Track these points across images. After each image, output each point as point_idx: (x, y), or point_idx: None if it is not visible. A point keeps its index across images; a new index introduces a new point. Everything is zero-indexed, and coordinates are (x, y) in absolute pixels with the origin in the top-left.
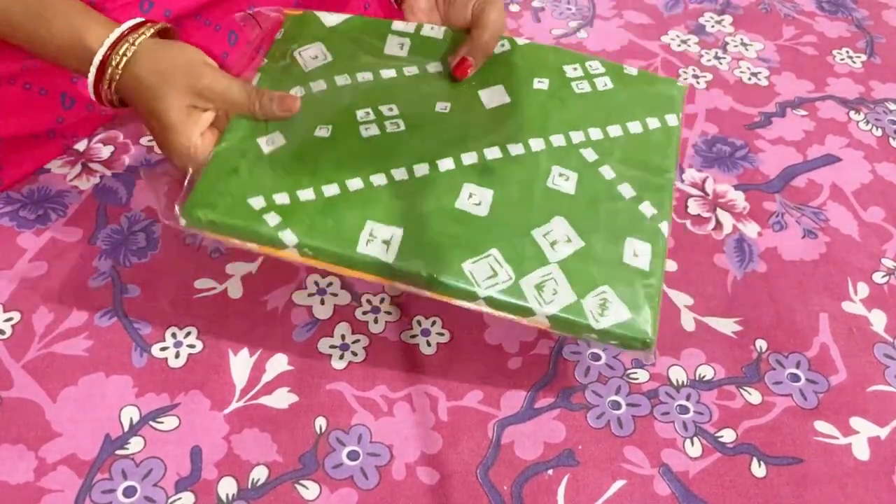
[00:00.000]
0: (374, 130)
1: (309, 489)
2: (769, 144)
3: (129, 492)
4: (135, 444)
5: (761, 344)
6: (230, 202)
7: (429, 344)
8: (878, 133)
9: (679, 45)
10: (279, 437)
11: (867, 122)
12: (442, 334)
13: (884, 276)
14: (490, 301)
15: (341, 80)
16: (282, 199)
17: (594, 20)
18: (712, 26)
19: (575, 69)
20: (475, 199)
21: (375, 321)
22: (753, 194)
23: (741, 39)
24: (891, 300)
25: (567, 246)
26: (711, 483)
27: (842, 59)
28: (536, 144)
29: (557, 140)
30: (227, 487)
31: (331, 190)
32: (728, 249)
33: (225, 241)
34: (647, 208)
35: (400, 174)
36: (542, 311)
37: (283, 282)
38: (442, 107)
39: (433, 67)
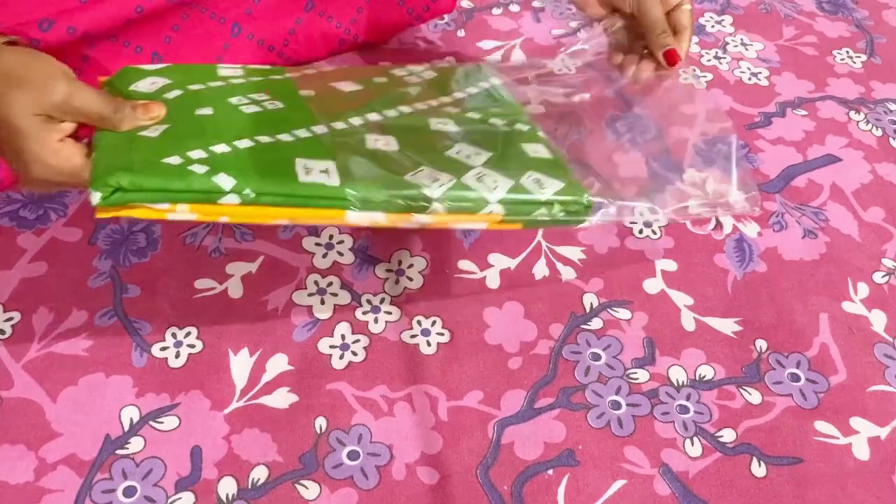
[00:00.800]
0: (255, 108)
1: (309, 489)
2: (769, 144)
3: (129, 492)
4: (135, 444)
5: (761, 344)
6: (145, 163)
7: (429, 344)
8: (878, 133)
9: None
10: (279, 437)
11: (867, 123)
12: (442, 334)
13: (884, 276)
14: (444, 201)
15: (194, 86)
16: (198, 154)
17: (595, 20)
18: (712, 26)
19: (398, 71)
20: (382, 142)
21: (375, 321)
22: None
23: (741, 39)
24: (891, 300)
25: (479, 157)
26: (711, 483)
27: (842, 60)
28: (405, 109)
29: (419, 106)
30: (227, 487)
31: (244, 143)
32: (728, 249)
33: (147, 213)
34: (521, 127)
35: (303, 133)
36: (493, 196)
37: (283, 282)
38: (306, 93)
39: (276, 76)
